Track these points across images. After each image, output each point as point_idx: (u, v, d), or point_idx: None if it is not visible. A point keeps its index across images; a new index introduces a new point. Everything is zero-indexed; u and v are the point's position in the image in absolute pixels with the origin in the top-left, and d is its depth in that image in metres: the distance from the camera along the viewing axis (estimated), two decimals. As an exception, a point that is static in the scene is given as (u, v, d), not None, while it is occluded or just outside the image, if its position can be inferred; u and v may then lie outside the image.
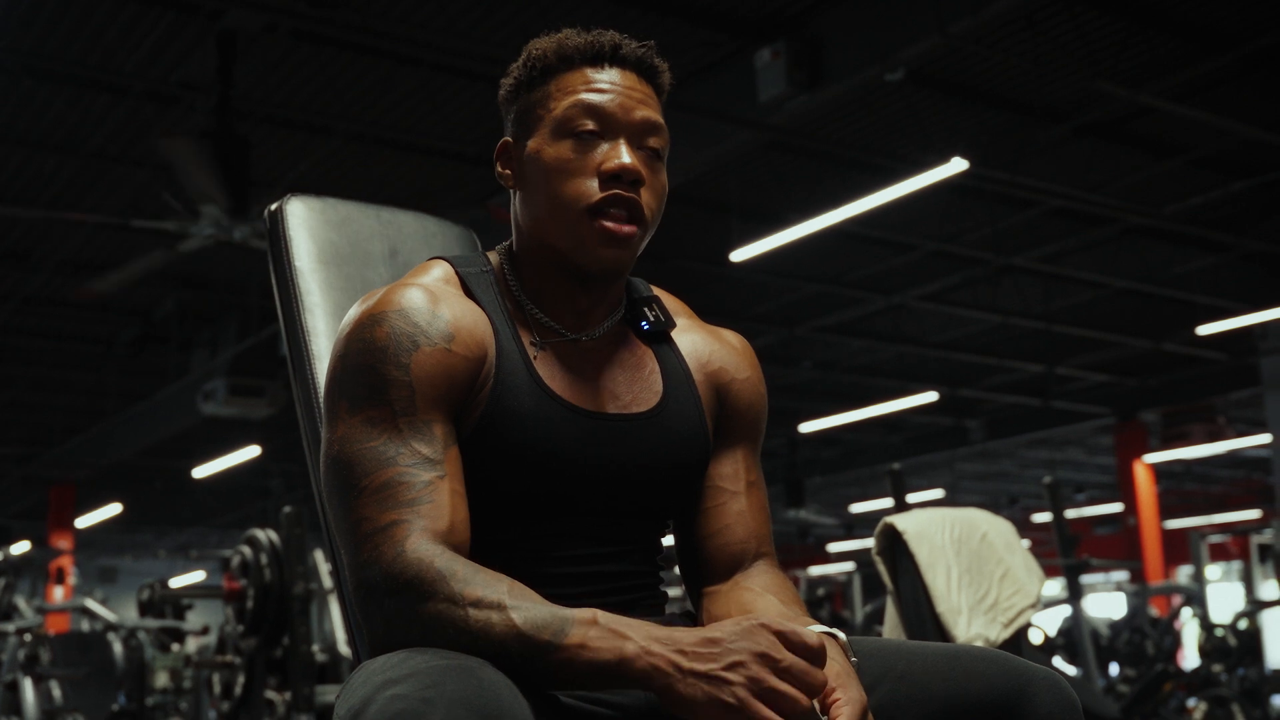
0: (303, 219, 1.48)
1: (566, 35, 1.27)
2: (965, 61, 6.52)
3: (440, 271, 1.27)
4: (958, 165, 6.55)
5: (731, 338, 1.39)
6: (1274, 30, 6.36)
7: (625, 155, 1.21)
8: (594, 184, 1.21)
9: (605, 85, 1.24)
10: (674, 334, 1.35)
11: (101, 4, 5.75)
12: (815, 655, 0.96)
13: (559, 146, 1.23)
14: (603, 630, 0.99)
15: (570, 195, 1.21)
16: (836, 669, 1.07)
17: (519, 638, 0.99)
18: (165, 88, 6.53)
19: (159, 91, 6.59)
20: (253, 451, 12.45)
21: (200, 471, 13.41)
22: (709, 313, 1.42)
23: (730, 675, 0.94)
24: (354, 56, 6.30)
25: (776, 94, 5.93)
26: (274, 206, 1.48)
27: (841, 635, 1.13)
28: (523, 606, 1.01)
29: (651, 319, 1.33)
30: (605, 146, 1.22)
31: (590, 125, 1.22)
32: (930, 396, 12.68)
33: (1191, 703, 7.09)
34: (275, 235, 1.47)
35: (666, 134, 1.27)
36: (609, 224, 1.20)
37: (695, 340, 1.36)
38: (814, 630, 1.11)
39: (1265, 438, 12.61)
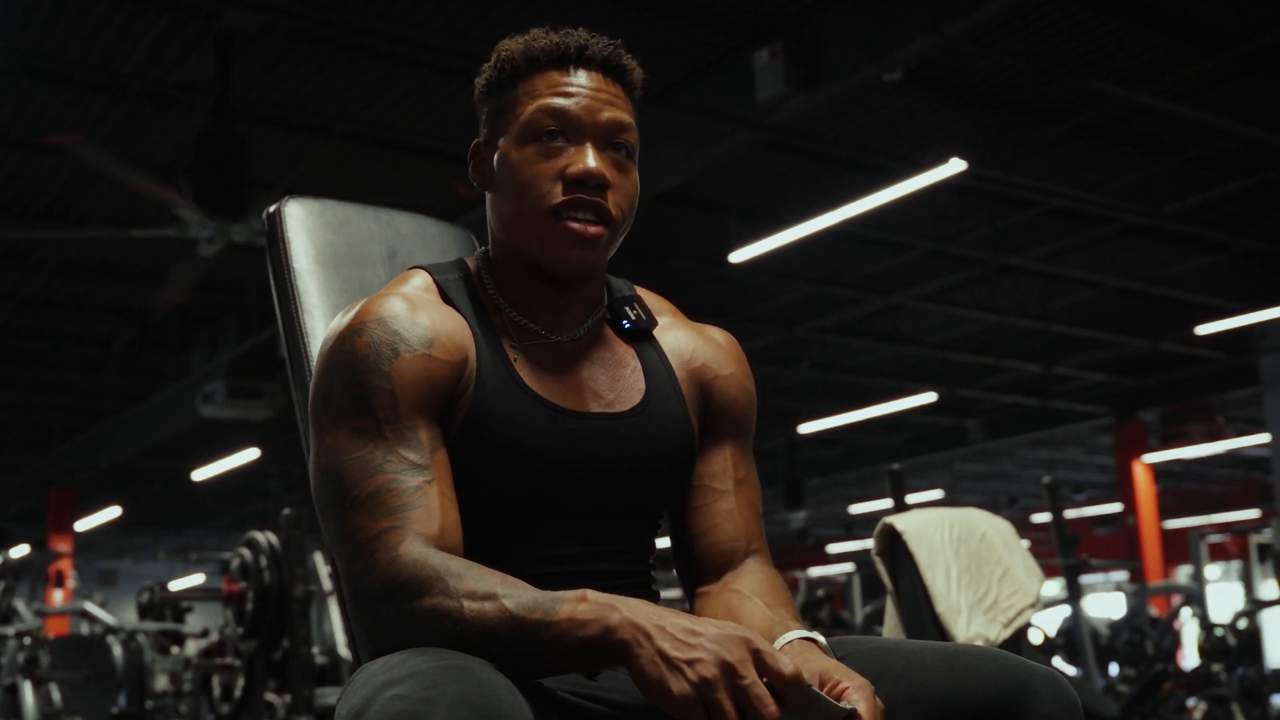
0: (301, 221, 1.48)
1: (534, 36, 1.27)
2: (962, 61, 6.52)
3: (419, 280, 1.28)
4: (956, 165, 6.56)
5: (716, 334, 1.39)
6: (1272, 29, 6.36)
7: (590, 160, 1.22)
8: (557, 187, 1.22)
9: (571, 88, 1.24)
10: (657, 332, 1.35)
11: (99, 4, 5.75)
12: (786, 684, 0.95)
13: (525, 150, 1.24)
14: (591, 604, 0.99)
15: (533, 197, 1.22)
16: (829, 664, 1.07)
17: (512, 621, 1.00)
18: (163, 89, 6.54)
19: (157, 92, 6.59)
20: (252, 454, 12.45)
21: (199, 474, 13.41)
22: (707, 313, 1.42)
23: (689, 670, 0.94)
24: (351, 57, 6.30)
25: (774, 94, 5.93)
26: (272, 208, 1.49)
27: (821, 639, 1.13)
28: (515, 593, 1.02)
29: (633, 317, 1.33)
30: (571, 150, 1.23)
31: (555, 127, 1.23)
32: (929, 397, 12.68)
33: (1191, 702, 7.10)
34: (274, 237, 1.47)
35: (635, 133, 1.27)
36: (574, 225, 1.21)
37: (678, 338, 1.36)
38: (794, 635, 1.13)
39: (1264, 437, 12.62)
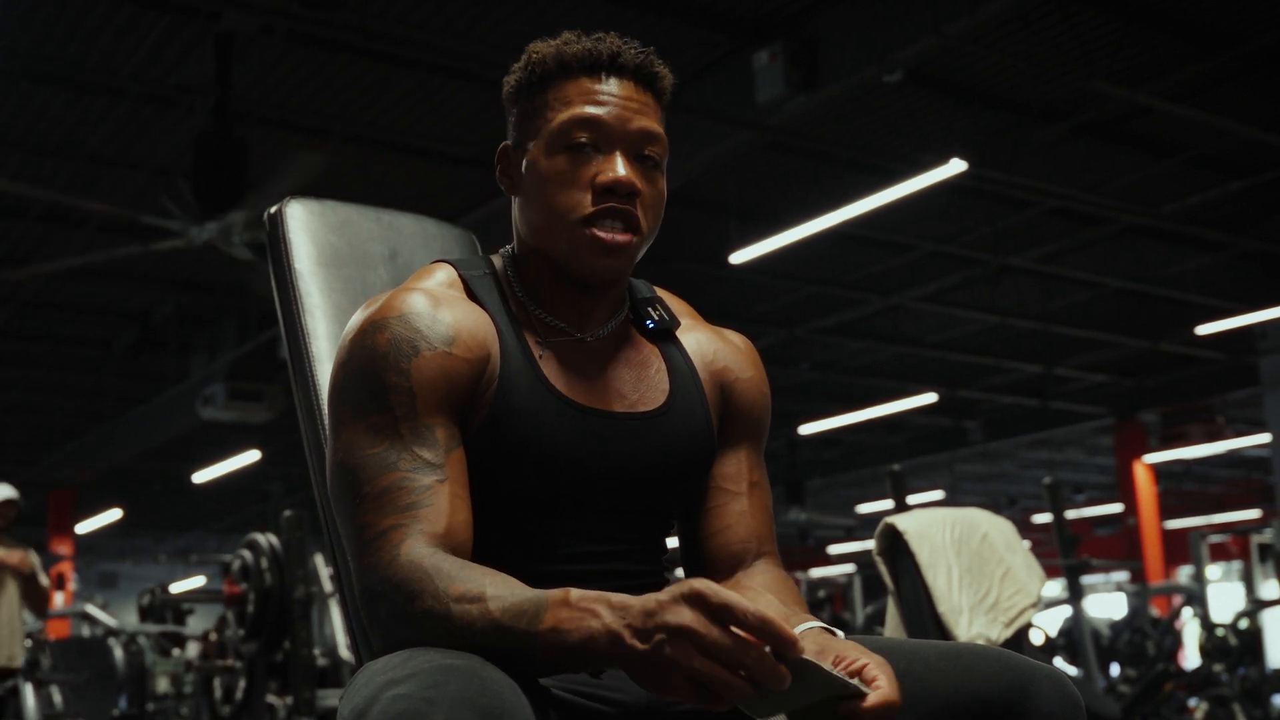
0: (302, 222, 1.48)
1: (566, 41, 1.27)
2: (962, 62, 6.52)
3: (444, 275, 1.27)
4: (956, 166, 6.55)
5: (735, 338, 1.39)
6: (1271, 29, 6.37)
7: (620, 168, 1.21)
8: (587, 196, 1.21)
9: (603, 96, 1.24)
10: (679, 333, 1.36)
11: (99, 6, 5.75)
12: (752, 627, 0.91)
13: (555, 158, 1.23)
14: (573, 610, 0.97)
15: (564, 206, 1.22)
16: (845, 645, 1.07)
17: (498, 629, 1.00)
18: (163, 90, 6.54)
19: (156, 94, 6.59)
20: (252, 456, 12.44)
21: (200, 476, 13.41)
22: (708, 314, 1.43)
23: (656, 656, 0.92)
24: (351, 58, 6.30)
25: (774, 95, 5.93)
26: (274, 209, 1.48)
27: (838, 631, 1.12)
28: (501, 596, 1.01)
29: (656, 318, 1.33)
30: (600, 158, 1.23)
31: (585, 138, 1.23)
32: (929, 397, 12.68)
33: (1192, 702, 7.09)
34: (275, 238, 1.47)
35: (665, 142, 1.27)
36: (602, 234, 1.21)
37: (700, 339, 1.36)
38: (810, 625, 1.11)
39: (1264, 437, 12.62)
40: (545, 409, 1.20)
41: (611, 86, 1.25)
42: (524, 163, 1.27)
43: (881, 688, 1.01)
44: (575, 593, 0.99)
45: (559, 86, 1.25)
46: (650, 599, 0.95)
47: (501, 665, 0.97)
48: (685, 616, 0.92)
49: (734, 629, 0.91)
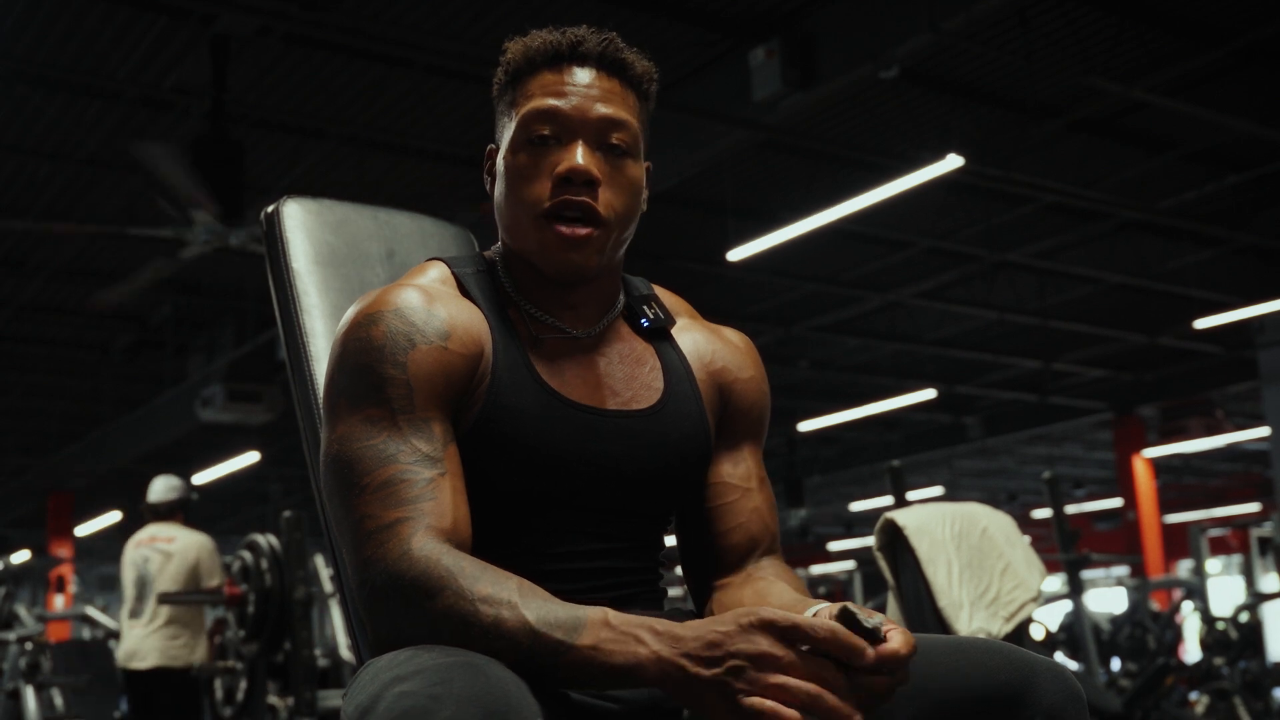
0: (300, 220, 1.47)
1: (532, 36, 1.27)
2: (958, 58, 6.53)
3: (436, 272, 1.27)
4: (953, 162, 6.55)
5: (734, 336, 1.38)
6: (1266, 24, 6.37)
7: (578, 157, 1.21)
8: (547, 188, 1.21)
9: (564, 88, 1.23)
10: (675, 332, 1.35)
11: (94, 9, 5.75)
12: (824, 641, 0.94)
13: (519, 154, 1.24)
14: (616, 633, 0.98)
15: (527, 201, 1.22)
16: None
17: (531, 635, 0.99)
18: (159, 93, 6.53)
19: (152, 97, 6.59)
20: (251, 457, 12.43)
21: (199, 477, 13.39)
22: (705, 312, 1.42)
23: (734, 681, 0.93)
24: (347, 59, 6.30)
25: (771, 93, 5.93)
26: (270, 209, 1.48)
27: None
28: (533, 604, 1.01)
29: (651, 316, 1.33)
30: (562, 149, 1.22)
31: (545, 131, 1.22)
32: (928, 394, 12.68)
33: (1194, 696, 7.10)
34: (272, 237, 1.46)
35: (633, 129, 1.25)
36: (563, 229, 1.20)
37: (697, 339, 1.35)
38: (822, 606, 1.10)
39: (1263, 431, 12.63)
40: (537, 405, 1.20)
41: (574, 76, 1.24)
42: (497, 161, 1.28)
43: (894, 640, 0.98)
44: (614, 615, 0.99)
45: (525, 82, 1.26)
46: (709, 630, 0.96)
47: (520, 672, 0.96)
48: (761, 644, 0.93)
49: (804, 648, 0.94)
